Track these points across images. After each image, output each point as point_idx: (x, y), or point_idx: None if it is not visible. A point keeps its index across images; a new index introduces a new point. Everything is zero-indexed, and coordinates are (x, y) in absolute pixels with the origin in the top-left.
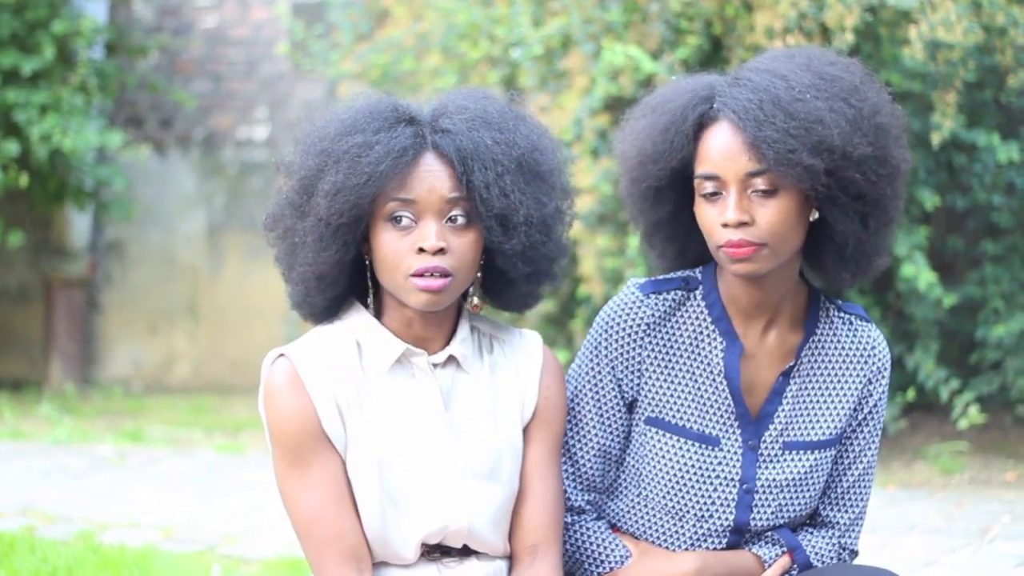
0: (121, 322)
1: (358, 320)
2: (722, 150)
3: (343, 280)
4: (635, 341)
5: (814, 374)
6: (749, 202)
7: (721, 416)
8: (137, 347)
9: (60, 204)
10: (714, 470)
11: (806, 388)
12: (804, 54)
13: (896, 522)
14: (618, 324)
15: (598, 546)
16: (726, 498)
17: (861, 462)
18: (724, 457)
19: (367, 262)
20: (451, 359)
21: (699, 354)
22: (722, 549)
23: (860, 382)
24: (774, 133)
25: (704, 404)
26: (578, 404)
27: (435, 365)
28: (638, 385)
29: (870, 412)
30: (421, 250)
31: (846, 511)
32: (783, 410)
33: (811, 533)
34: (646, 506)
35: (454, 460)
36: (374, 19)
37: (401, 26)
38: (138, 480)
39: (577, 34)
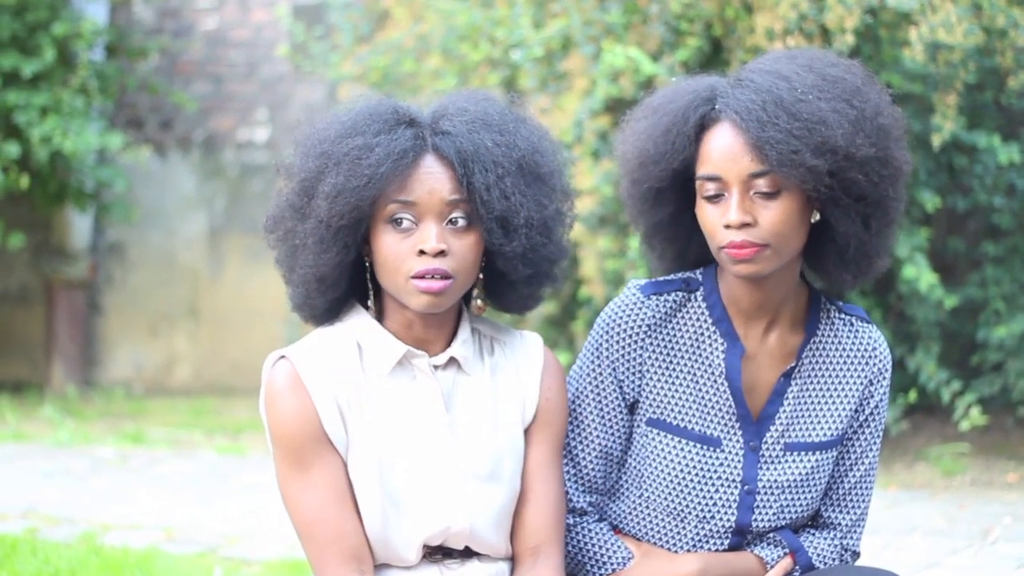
0: (122, 324)
1: (359, 322)
2: (724, 151)
3: (344, 282)
4: (636, 342)
5: (815, 375)
6: (751, 203)
7: (722, 417)
8: (138, 349)
9: (61, 206)
10: (715, 471)
11: (807, 389)
12: (806, 55)
13: (898, 524)
14: (619, 325)
15: (600, 548)
16: (727, 499)
17: (863, 463)
18: (725, 458)
19: (367, 264)
20: (452, 361)
21: (700, 355)
22: (724, 551)
23: (861, 383)
24: (777, 134)
25: (705, 405)
26: (580, 405)
27: (436, 367)
28: (639, 386)
29: (871, 413)
30: (422, 252)
31: (848, 512)
32: (784, 411)
33: (813, 534)
34: (647, 507)
35: (455, 462)
36: (374, 21)
37: (401, 28)
38: (140, 482)
39: (577, 36)
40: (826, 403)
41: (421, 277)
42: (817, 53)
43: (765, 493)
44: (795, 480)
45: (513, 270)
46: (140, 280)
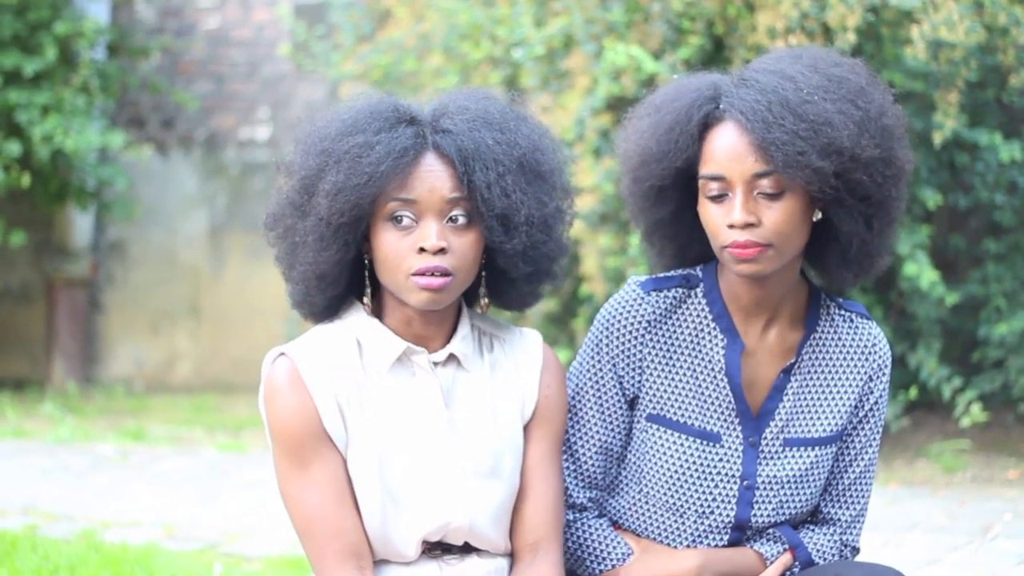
0: (123, 322)
1: (358, 319)
2: (728, 151)
3: (343, 279)
4: (636, 338)
5: (815, 371)
6: (755, 203)
7: (722, 413)
8: (139, 346)
9: (62, 204)
10: (715, 467)
11: (807, 385)
12: (810, 55)
13: (898, 520)
14: (619, 321)
15: (600, 544)
16: (727, 494)
17: (862, 459)
18: (725, 454)
19: (367, 262)
20: (451, 357)
21: (700, 351)
22: (723, 546)
23: (861, 379)
24: (783, 135)
25: (705, 401)
26: (579, 401)
27: (435, 363)
28: (639, 382)
29: (871, 409)
30: (422, 250)
31: (848, 508)
32: (784, 407)
33: (813, 530)
34: (647, 503)
35: (455, 458)
36: (376, 20)
37: (403, 27)
38: (140, 479)
39: (579, 34)
40: (826, 399)
41: (421, 274)
42: (821, 52)
43: (764, 489)
44: (794, 476)
45: (513, 268)
46: (141, 278)
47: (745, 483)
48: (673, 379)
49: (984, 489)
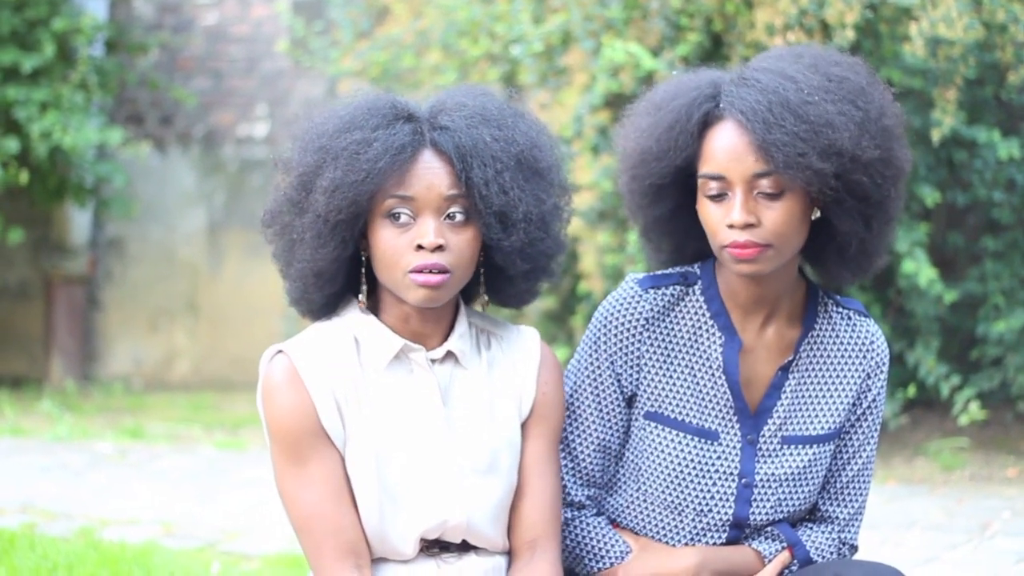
0: (121, 319)
1: (356, 316)
2: (728, 150)
3: (341, 277)
4: (634, 336)
5: (813, 369)
6: (755, 203)
7: (720, 410)
8: (137, 344)
9: (60, 201)
10: (713, 464)
11: (805, 383)
12: (810, 54)
13: (897, 518)
14: (617, 319)
15: (598, 541)
16: (725, 492)
17: (860, 457)
18: (723, 451)
19: (364, 259)
20: (449, 355)
21: (698, 349)
22: (722, 544)
23: (859, 377)
24: (783, 136)
25: (703, 399)
26: (577, 399)
27: (433, 361)
28: (637, 380)
29: (869, 407)
30: (419, 247)
31: (846, 506)
32: (782, 405)
33: (811, 528)
34: (645, 501)
35: (452, 456)
36: (374, 16)
37: (401, 23)
38: (138, 477)
39: (577, 31)
40: (823, 397)
41: (419, 271)
42: (821, 51)
43: (762, 486)
44: (792, 473)
45: (511, 265)
46: (139, 275)
47: (743, 481)
48: (671, 377)
49: (982, 487)
